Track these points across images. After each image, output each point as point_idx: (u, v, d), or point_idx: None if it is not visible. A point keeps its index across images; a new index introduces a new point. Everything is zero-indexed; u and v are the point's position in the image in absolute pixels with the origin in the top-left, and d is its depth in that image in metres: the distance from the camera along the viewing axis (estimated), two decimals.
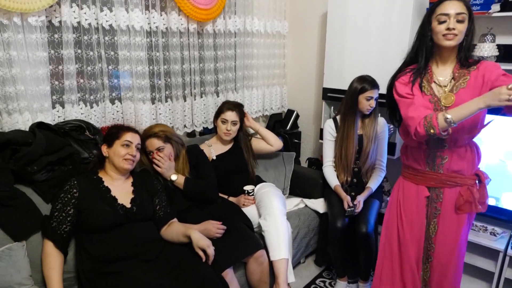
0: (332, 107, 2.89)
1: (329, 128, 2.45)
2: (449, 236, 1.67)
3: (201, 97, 2.69)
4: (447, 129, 1.45)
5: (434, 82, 1.60)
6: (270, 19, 3.03)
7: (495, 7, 2.17)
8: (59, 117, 2.03)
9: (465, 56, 1.56)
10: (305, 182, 2.71)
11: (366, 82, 2.26)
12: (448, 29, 1.48)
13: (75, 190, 1.65)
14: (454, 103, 1.53)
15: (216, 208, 2.14)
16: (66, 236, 1.62)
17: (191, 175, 2.14)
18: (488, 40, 2.25)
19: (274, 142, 2.56)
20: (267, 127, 3.27)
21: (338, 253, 2.27)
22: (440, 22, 1.50)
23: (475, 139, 1.65)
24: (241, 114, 2.42)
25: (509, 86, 1.27)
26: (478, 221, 2.39)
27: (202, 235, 1.73)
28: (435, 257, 1.71)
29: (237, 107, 2.39)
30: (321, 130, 2.91)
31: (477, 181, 1.65)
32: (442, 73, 1.61)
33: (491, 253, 2.23)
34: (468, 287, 2.29)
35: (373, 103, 2.27)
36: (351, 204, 2.24)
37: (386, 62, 2.49)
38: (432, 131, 1.46)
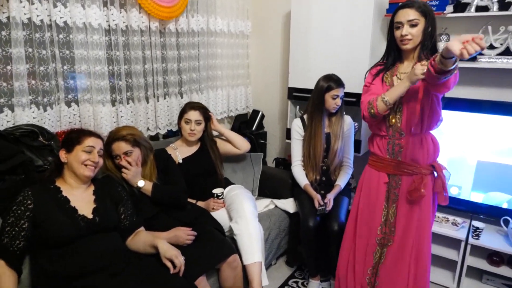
0: (298, 107, 2.90)
1: (297, 127, 2.45)
2: (407, 220, 1.78)
3: (165, 98, 2.59)
4: (387, 108, 1.68)
5: (396, 75, 1.76)
6: (233, 18, 2.99)
7: (449, 8, 2.27)
8: (8, 121, 1.85)
9: (424, 54, 1.67)
10: (274, 182, 2.69)
11: (332, 81, 2.28)
12: (401, 35, 1.64)
13: (29, 202, 1.50)
14: (407, 92, 1.65)
15: (185, 214, 2.06)
16: (19, 253, 1.47)
17: (158, 180, 2.04)
18: (443, 39, 2.35)
19: (241, 145, 2.52)
20: (233, 128, 3.22)
21: (311, 252, 2.27)
22: (397, 28, 1.67)
23: (434, 132, 1.80)
24: (205, 113, 2.36)
25: (422, 63, 1.53)
26: (440, 212, 2.49)
27: (169, 245, 1.65)
28: (395, 241, 1.81)
29: (200, 106, 2.35)
30: (287, 130, 2.91)
31: (433, 172, 1.78)
32: (405, 68, 1.74)
33: (453, 243, 2.32)
34: (433, 276, 2.37)
35: (339, 101, 2.30)
36: (321, 203, 2.25)
37: (351, 61, 2.53)
38: (372, 111, 1.71)
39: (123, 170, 1.89)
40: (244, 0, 3.08)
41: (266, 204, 2.50)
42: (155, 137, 2.64)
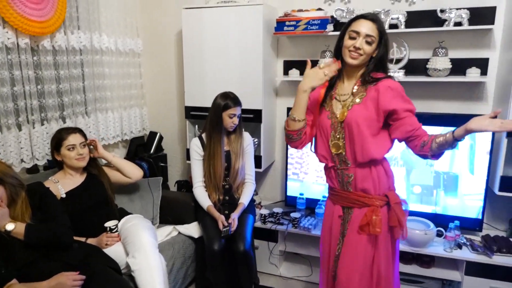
0: (197, 126, 2.81)
1: (195, 147, 2.36)
2: (349, 257, 1.60)
3: (42, 124, 2.27)
4: (299, 127, 1.57)
5: (336, 98, 1.61)
6: (121, 36, 2.80)
7: (330, 27, 2.44)
8: None
9: (367, 77, 1.54)
10: (176, 207, 2.54)
11: (229, 99, 2.25)
12: (354, 47, 1.47)
13: None
14: (346, 118, 1.53)
15: (71, 255, 1.79)
16: None
17: (34, 220, 1.75)
18: (327, 56, 2.52)
19: (131, 173, 2.30)
20: (129, 153, 2.99)
21: (219, 277, 2.16)
22: (350, 38, 1.49)
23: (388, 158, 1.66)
24: (85, 135, 2.15)
25: (321, 66, 1.49)
26: None
27: None
28: (337, 277, 1.63)
29: (77, 128, 2.15)
30: (188, 151, 2.80)
31: (387, 204, 1.60)
32: (344, 89, 1.60)
33: None
34: None
35: (236, 120, 2.28)
36: (225, 224, 2.17)
37: (245, 77, 2.56)
38: (285, 131, 1.62)
39: None
40: (132, 18, 2.92)
41: (168, 231, 2.33)
42: (33, 170, 2.29)
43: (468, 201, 2.31)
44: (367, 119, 1.51)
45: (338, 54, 1.57)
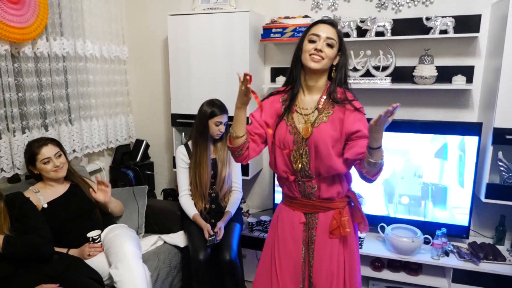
0: (183, 133, 2.78)
1: (181, 155, 2.33)
2: (324, 263, 1.56)
3: (24, 132, 2.22)
4: (239, 143, 1.49)
5: (297, 111, 1.53)
6: (106, 42, 2.76)
7: None
8: None
9: (334, 89, 1.49)
10: (162, 216, 2.49)
11: (215, 107, 2.23)
12: (316, 49, 1.43)
13: None
14: (312, 136, 1.47)
15: (52, 267, 1.74)
16: None
17: (12, 231, 1.70)
18: None
19: (116, 212, 2.31)
20: (114, 161, 2.94)
21: (204, 287, 2.12)
22: (310, 41, 1.45)
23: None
24: (58, 144, 2.09)
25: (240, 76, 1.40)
26: None
27: None
28: (314, 286, 1.58)
29: (49, 139, 2.07)
30: (174, 159, 2.76)
31: (350, 202, 1.62)
32: (307, 102, 1.53)
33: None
34: None
35: (222, 128, 2.26)
36: (211, 233, 2.14)
37: (232, 85, 2.53)
38: (227, 147, 1.56)
39: None
40: (117, 24, 2.89)
41: (153, 241, 2.28)
42: (14, 179, 2.23)
43: (458, 215, 2.31)
44: (333, 138, 1.47)
45: (297, 62, 1.50)
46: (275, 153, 1.57)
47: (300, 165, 1.52)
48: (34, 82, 2.23)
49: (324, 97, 1.51)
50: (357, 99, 1.51)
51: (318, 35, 1.43)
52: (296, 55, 1.51)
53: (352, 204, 1.63)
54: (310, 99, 1.53)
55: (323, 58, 1.43)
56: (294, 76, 1.54)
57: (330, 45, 1.43)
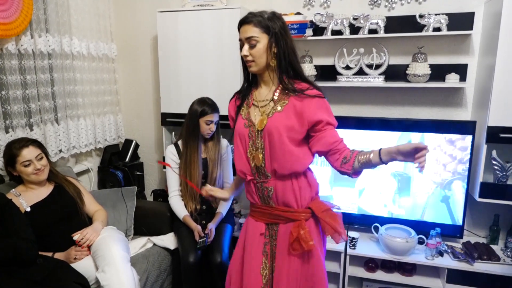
0: (174, 133, 2.72)
1: (171, 155, 2.27)
2: (283, 280, 1.46)
3: (7, 132, 2.15)
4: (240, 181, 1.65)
5: (254, 105, 1.49)
6: (94, 40, 2.70)
7: (309, 31, 2.40)
8: None
9: (284, 78, 1.42)
10: (152, 217, 2.44)
11: (206, 105, 2.18)
12: (243, 56, 1.40)
13: None
14: (266, 126, 1.41)
15: (35, 271, 1.68)
16: None
17: None
18: (306, 61, 2.47)
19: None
20: (102, 161, 2.88)
21: None
22: (240, 47, 1.41)
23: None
24: (40, 145, 2.00)
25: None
26: None
27: None
28: None
29: (29, 140, 1.96)
30: (164, 159, 2.71)
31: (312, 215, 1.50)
32: (263, 94, 1.48)
33: (334, 256, 2.38)
34: None
35: (213, 127, 2.21)
36: (202, 234, 2.09)
37: (222, 82, 2.49)
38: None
39: None
40: (106, 21, 2.82)
41: (142, 243, 2.22)
42: None
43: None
44: (288, 128, 1.39)
45: (243, 61, 1.46)
46: (234, 150, 1.54)
47: (256, 162, 1.45)
48: (18, 79, 2.16)
49: (280, 88, 1.44)
50: (314, 86, 1.42)
51: (240, 40, 1.40)
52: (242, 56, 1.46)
53: (317, 215, 1.48)
54: (267, 90, 1.47)
55: (253, 60, 1.39)
56: (245, 74, 1.51)
57: (252, 45, 1.37)
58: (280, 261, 1.48)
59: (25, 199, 1.92)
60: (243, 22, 1.40)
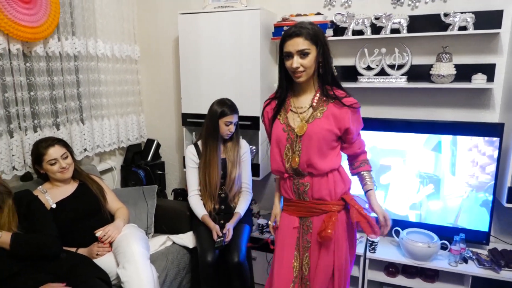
0: (194, 133, 2.76)
1: (191, 155, 2.30)
2: (321, 271, 1.55)
3: (35, 131, 2.23)
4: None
5: (291, 110, 1.57)
6: (118, 42, 2.77)
7: (329, 31, 2.38)
8: None
9: (324, 85, 1.51)
10: (172, 216, 2.47)
11: (226, 106, 2.20)
12: (292, 67, 1.46)
13: None
14: (305, 132, 1.50)
15: (59, 265, 1.74)
16: None
17: (20, 229, 1.70)
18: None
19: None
20: (125, 160, 2.95)
21: None
22: (286, 59, 1.48)
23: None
24: (66, 144, 2.08)
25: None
26: None
27: None
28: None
29: (56, 139, 2.04)
30: (184, 158, 2.75)
31: (346, 207, 1.60)
32: (302, 101, 1.56)
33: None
34: None
35: (232, 128, 2.22)
36: (220, 234, 2.10)
37: (242, 84, 2.50)
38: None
39: None
40: (129, 24, 2.89)
41: (162, 241, 2.26)
42: (27, 177, 2.25)
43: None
44: (327, 134, 1.51)
45: (282, 75, 1.55)
46: (271, 152, 1.63)
47: (292, 164, 1.55)
48: (45, 81, 2.24)
49: (318, 94, 1.54)
50: (349, 95, 1.54)
51: (289, 53, 1.46)
52: (280, 67, 1.55)
53: (348, 207, 1.58)
54: (305, 97, 1.57)
55: (304, 71, 1.46)
56: (282, 82, 1.58)
57: (304, 54, 1.44)
58: (314, 252, 1.57)
59: (51, 196, 2.00)
60: (292, 35, 1.44)
